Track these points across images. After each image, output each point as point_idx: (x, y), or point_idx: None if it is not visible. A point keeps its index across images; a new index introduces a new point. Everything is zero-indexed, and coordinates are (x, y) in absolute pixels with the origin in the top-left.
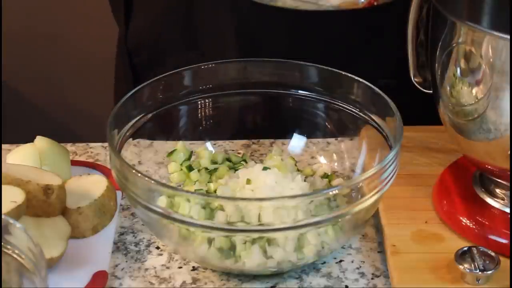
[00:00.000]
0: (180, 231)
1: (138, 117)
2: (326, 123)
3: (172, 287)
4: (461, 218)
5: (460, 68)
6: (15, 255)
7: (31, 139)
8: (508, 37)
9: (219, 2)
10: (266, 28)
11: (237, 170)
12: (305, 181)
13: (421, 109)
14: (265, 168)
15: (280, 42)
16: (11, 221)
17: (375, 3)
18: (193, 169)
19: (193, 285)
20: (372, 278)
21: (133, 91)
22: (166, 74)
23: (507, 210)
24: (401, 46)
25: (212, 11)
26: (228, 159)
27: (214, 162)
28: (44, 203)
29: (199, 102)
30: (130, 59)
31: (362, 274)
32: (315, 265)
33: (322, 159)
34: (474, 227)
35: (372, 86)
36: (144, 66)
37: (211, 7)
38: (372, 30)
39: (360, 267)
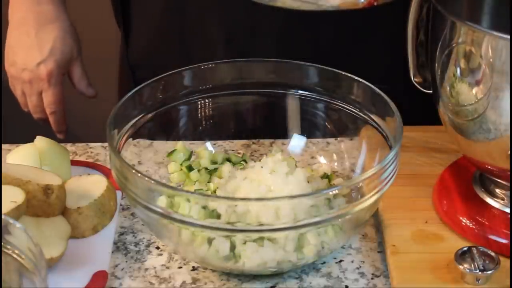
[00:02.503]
0: (180, 231)
1: (138, 117)
2: (326, 123)
3: (172, 287)
4: (461, 218)
5: (460, 68)
6: (15, 255)
7: (31, 139)
8: (508, 37)
9: (209, 15)
10: (256, 39)
11: (237, 170)
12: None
13: (421, 109)
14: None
15: (270, 51)
16: (11, 221)
17: (375, 3)
18: (193, 169)
19: (193, 285)
20: (372, 278)
21: (133, 91)
22: (166, 74)
23: (507, 210)
24: (400, 48)
25: (202, 24)
26: (228, 159)
27: (214, 162)
28: (44, 203)
29: (199, 102)
30: (133, 74)
31: (362, 274)
32: (315, 265)
33: (322, 159)
34: (474, 227)
35: (372, 86)
36: (147, 80)
37: (201, 20)
38: (369, 32)
39: (360, 267)
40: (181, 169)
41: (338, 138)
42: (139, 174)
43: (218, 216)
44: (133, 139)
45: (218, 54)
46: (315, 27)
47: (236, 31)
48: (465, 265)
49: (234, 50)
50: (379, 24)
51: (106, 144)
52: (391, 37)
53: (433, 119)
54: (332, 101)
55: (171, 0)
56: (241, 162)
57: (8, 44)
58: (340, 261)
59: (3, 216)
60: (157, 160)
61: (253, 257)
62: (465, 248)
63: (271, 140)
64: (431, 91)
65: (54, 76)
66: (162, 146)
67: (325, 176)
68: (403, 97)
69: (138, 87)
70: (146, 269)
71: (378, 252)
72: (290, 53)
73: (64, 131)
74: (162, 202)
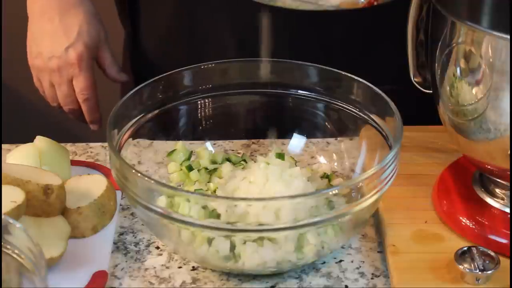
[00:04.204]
0: (180, 231)
1: (138, 117)
2: (326, 123)
3: (172, 287)
4: (461, 218)
5: (460, 68)
6: (15, 255)
7: (31, 139)
8: (508, 37)
9: (219, 19)
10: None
11: (237, 170)
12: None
13: (421, 109)
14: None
15: (283, 55)
16: (11, 221)
17: (375, 3)
18: (193, 169)
19: (193, 285)
20: (372, 278)
21: (133, 91)
22: (166, 74)
23: (507, 210)
24: (402, 49)
25: (213, 28)
26: (228, 159)
27: (214, 162)
28: (44, 203)
29: (199, 102)
30: (139, 78)
31: (362, 274)
32: (315, 265)
33: (322, 159)
34: (474, 227)
35: (372, 86)
36: None
37: (211, 25)
38: (371, 33)
39: (360, 267)
40: (181, 169)
41: (338, 138)
42: (139, 174)
43: (218, 216)
44: (133, 139)
45: (229, 58)
46: (326, 29)
47: (247, 36)
48: (465, 265)
49: (245, 54)
50: (389, 24)
51: (106, 144)
52: (400, 37)
53: (433, 119)
54: (332, 101)
55: (181, 5)
56: (241, 162)
57: (30, 36)
58: (340, 261)
59: (3, 216)
60: (157, 160)
61: (253, 257)
62: (465, 248)
63: (271, 140)
64: (431, 91)
65: (85, 59)
66: (162, 146)
67: (325, 176)
68: (403, 97)
69: (138, 87)
70: (146, 269)
71: (378, 252)
72: (302, 55)
73: (98, 121)
74: (162, 202)
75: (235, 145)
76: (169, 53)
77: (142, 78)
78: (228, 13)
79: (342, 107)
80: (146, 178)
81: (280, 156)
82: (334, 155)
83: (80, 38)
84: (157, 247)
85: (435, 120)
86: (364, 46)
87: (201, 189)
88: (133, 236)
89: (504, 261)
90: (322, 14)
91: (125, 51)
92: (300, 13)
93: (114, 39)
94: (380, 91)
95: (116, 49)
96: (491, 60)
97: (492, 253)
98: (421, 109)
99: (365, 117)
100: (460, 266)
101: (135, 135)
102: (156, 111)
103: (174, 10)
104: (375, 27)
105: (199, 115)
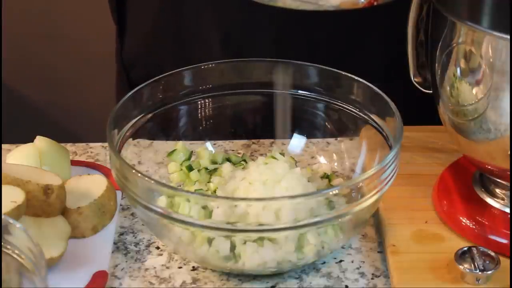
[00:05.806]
0: (180, 231)
1: (138, 117)
2: (326, 123)
3: (172, 287)
4: (461, 218)
5: (460, 68)
6: (15, 255)
7: (31, 139)
8: (508, 37)
9: (205, 14)
10: (252, 39)
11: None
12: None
13: (421, 109)
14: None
15: (268, 52)
16: (11, 221)
17: (375, 3)
18: (193, 169)
19: (193, 285)
20: (372, 278)
21: (133, 91)
22: (166, 74)
23: (507, 210)
24: (398, 47)
25: (199, 24)
26: (228, 159)
27: (214, 162)
28: (44, 203)
29: (199, 102)
30: (127, 74)
31: (362, 274)
32: (315, 265)
33: (322, 159)
34: (474, 227)
35: (372, 86)
36: (141, 80)
37: (198, 21)
38: (366, 31)
39: (360, 267)
40: (181, 169)
41: (338, 138)
42: (139, 174)
43: None
44: (133, 139)
45: (214, 54)
46: (312, 27)
47: (232, 31)
48: (465, 265)
49: (230, 50)
50: (376, 22)
51: (106, 144)
52: (389, 36)
53: (433, 119)
54: (332, 101)
55: (166, 1)
56: (241, 162)
57: None
58: (340, 261)
59: (3, 216)
60: (157, 160)
61: (253, 257)
62: (465, 248)
63: (271, 140)
64: (431, 91)
65: None
66: (162, 146)
67: (325, 176)
68: (403, 97)
69: (138, 87)
70: (146, 269)
71: (378, 252)
72: (288, 53)
73: None
74: (162, 202)
75: (235, 145)
76: (154, 49)
77: (130, 76)
78: (214, 9)
79: (342, 107)
80: (146, 178)
81: (280, 156)
82: (334, 155)
83: None
84: (157, 247)
85: (435, 120)
86: (351, 45)
87: (201, 189)
88: (133, 236)
89: (504, 261)
90: (309, 13)
91: (117, 49)
92: (286, 11)
93: (110, 39)
94: (380, 91)
95: (113, 49)
96: (491, 60)
97: (492, 253)
98: (421, 109)
99: (365, 117)
100: (460, 266)
101: (135, 135)
102: (156, 111)
103: (160, 5)
104: (363, 26)
105: (199, 115)
